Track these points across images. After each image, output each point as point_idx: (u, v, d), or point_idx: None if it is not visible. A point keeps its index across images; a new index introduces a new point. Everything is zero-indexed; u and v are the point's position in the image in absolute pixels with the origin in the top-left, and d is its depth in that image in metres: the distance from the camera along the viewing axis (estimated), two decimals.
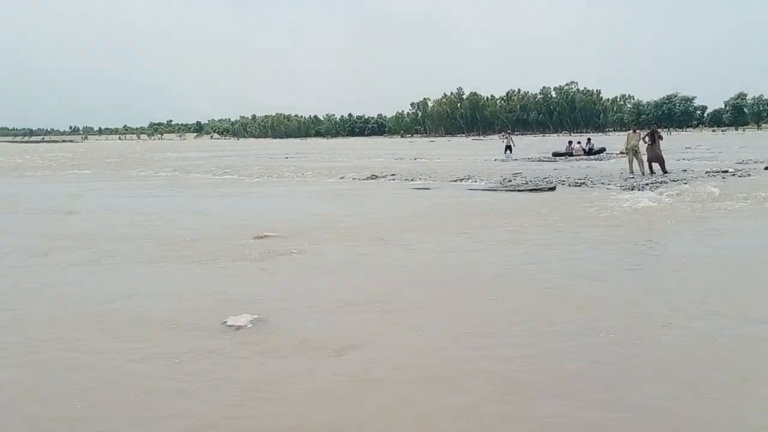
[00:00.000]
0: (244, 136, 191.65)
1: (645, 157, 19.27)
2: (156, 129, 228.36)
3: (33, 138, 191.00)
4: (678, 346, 4.48)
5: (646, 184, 15.73)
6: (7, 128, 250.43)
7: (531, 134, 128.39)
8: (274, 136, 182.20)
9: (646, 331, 4.79)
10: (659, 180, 16.88)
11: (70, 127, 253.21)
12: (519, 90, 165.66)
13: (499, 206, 12.48)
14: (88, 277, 6.95)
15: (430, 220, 10.78)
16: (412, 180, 19.49)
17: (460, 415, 3.50)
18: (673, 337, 4.66)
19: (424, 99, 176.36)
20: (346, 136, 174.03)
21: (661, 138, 19.16)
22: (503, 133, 49.40)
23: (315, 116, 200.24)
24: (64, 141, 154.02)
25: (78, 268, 7.34)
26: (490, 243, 8.49)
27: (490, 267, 7.02)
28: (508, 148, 35.97)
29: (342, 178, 21.12)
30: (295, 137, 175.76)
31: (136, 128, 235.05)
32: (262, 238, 9.09)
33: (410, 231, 9.60)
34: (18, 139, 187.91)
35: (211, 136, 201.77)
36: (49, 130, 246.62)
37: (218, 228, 10.23)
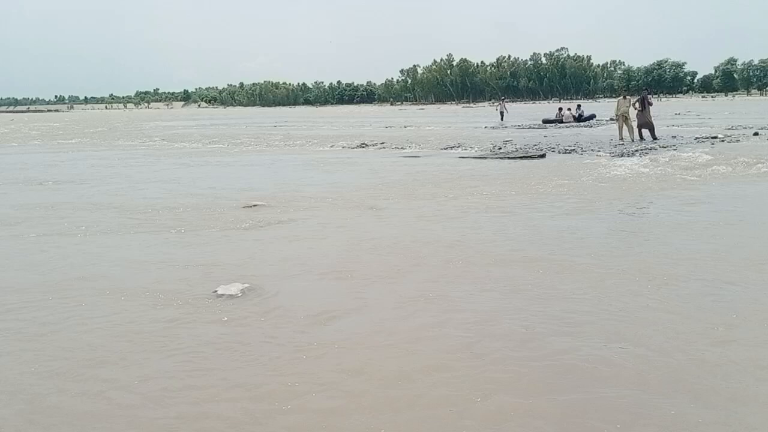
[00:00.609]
0: (231, 105, 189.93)
1: (635, 124, 19.28)
2: (143, 98, 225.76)
3: (18, 108, 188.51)
4: (634, 310, 4.54)
5: (636, 151, 15.75)
6: None
7: (521, 101, 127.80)
8: (263, 105, 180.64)
9: (619, 298, 4.85)
10: (649, 146, 16.91)
11: (56, 97, 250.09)
12: (509, 56, 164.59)
13: (488, 174, 12.48)
14: (78, 246, 6.92)
15: (419, 188, 10.78)
16: (401, 148, 19.43)
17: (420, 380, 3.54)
18: (641, 303, 4.72)
19: (414, 66, 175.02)
20: (336, 104, 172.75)
21: (651, 104, 19.15)
22: (497, 101, 50.08)
23: (303, 84, 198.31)
24: (49, 111, 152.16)
25: (67, 238, 7.32)
26: (480, 210, 8.51)
27: (487, 235, 7.05)
28: (501, 114, 36.84)
29: (332, 146, 21.03)
30: (284, 105, 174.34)
31: (123, 97, 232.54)
32: (251, 207, 9.08)
33: (400, 199, 9.61)
34: (3, 108, 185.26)
35: (199, 105, 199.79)
36: (34, 99, 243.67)
37: (207, 198, 10.20)
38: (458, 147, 18.96)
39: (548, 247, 6.35)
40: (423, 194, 10.05)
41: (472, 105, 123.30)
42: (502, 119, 36.65)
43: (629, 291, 4.94)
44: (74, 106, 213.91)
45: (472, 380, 3.51)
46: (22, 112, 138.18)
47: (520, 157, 15.24)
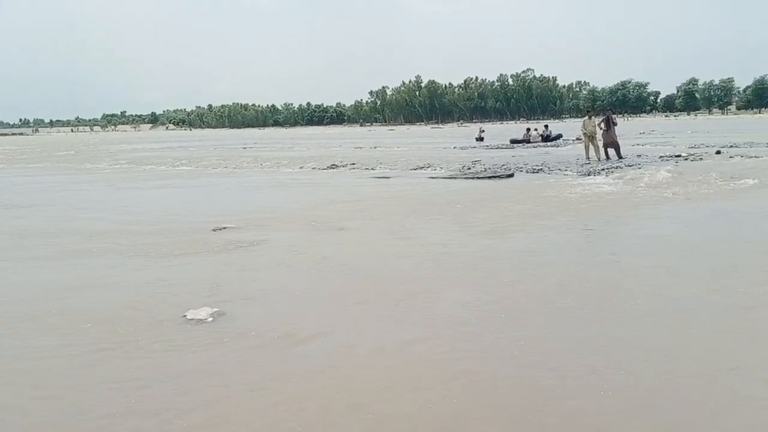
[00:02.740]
0: (200, 127, 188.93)
1: (601, 143, 19.61)
2: (110, 120, 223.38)
3: None
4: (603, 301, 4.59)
5: (602, 170, 16.01)
6: None
7: (489, 121, 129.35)
8: (231, 126, 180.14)
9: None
10: (615, 165, 17.20)
11: (21, 120, 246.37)
12: (477, 78, 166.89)
13: (457, 194, 12.56)
14: (40, 272, 6.77)
15: (387, 208, 10.79)
16: (372, 169, 19.47)
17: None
18: (620, 309, 4.77)
19: (383, 87, 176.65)
20: (305, 125, 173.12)
21: (615, 124, 19.51)
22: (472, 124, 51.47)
23: (273, 105, 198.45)
24: (14, 134, 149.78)
25: (25, 263, 7.16)
26: (449, 230, 8.55)
27: (461, 252, 7.07)
28: (481, 139, 37.19)
29: (301, 168, 20.99)
30: (253, 127, 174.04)
31: (89, 120, 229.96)
32: (220, 230, 8.99)
33: (369, 220, 9.61)
34: None
35: (167, 127, 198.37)
36: None
37: (175, 221, 10.08)
38: (428, 167, 19.07)
39: (518, 263, 6.39)
40: (392, 214, 10.05)
41: (440, 125, 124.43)
42: (481, 140, 36.85)
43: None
44: (39, 129, 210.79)
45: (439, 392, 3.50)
46: None
47: (489, 177, 15.39)
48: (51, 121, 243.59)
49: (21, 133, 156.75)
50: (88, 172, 21.94)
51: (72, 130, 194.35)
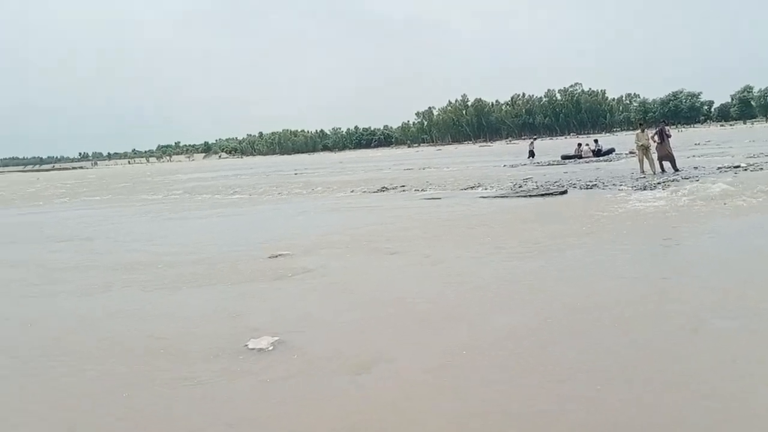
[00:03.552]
0: (251, 154, 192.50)
1: (655, 156, 19.19)
2: (164, 151, 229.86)
3: (44, 166, 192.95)
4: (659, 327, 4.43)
5: (658, 183, 15.64)
6: (17, 158, 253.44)
7: (538, 138, 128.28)
8: (282, 152, 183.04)
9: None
10: (671, 178, 16.79)
11: (80, 154, 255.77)
12: (524, 94, 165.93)
13: (510, 212, 12.44)
14: (103, 302, 6.96)
15: (440, 230, 10.75)
16: (422, 190, 19.48)
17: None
18: (666, 325, 4.61)
19: (429, 108, 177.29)
20: (354, 148, 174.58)
21: (669, 136, 19.09)
22: (528, 138, 52.03)
23: (321, 130, 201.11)
24: (74, 168, 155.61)
25: (91, 296, 7.36)
26: (505, 249, 8.45)
27: (516, 275, 6.98)
28: (532, 153, 37.27)
29: (352, 192, 21.14)
30: (303, 152, 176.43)
31: (145, 152, 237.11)
32: (276, 257, 9.09)
33: (424, 242, 9.57)
34: (29, 168, 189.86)
35: (219, 156, 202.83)
36: (59, 157, 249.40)
37: (231, 249, 10.24)
38: (478, 187, 18.96)
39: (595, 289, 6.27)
40: (445, 236, 10.01)
41: (489, 143, 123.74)
42: (532, 157, 36.72)
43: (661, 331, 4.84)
44: (98, 162, 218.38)
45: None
46: (47, 170, 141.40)
47: (542, 195, 15.20)
48: (108, 153, 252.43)
49: (81, 167, 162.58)
50: (146, 203, 22.56)
51: (129, 162, 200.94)
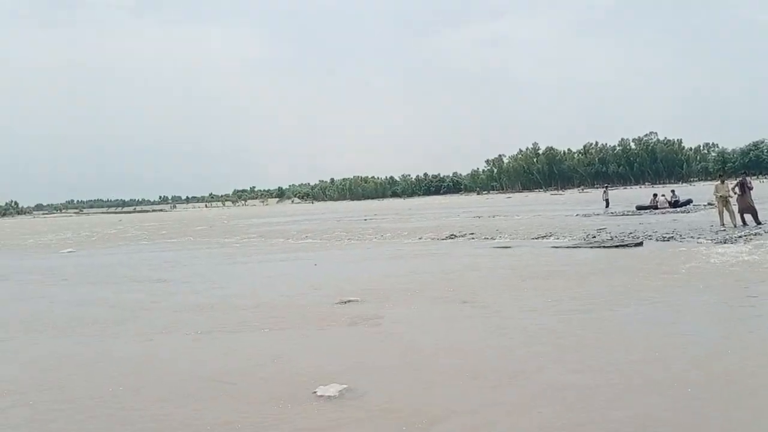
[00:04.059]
0: (323, 200, 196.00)
1: (736, 208, 18.44)
2: (240, 195, 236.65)
3: (126, 208, 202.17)
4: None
5: (740, 237, 14.99)
6: (101, 200, 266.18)
7: (612, 187, 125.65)
8: (352, 198, 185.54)
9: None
10: (753, 232, 16.06)
11: (160, 197, 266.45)
12: (597, 143, 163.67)
13: (584, 264, 12.14)
14: (176, 346, 7.13)
15: (512, 279, 10.59)
16: (491, 239, 19.28)
17: None
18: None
19: (500, 156, 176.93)
20: (422, 194, 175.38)
21: (751, 188, 18.33)
22: (601, 187, 52.09)
23: (391, 177, 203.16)
24: (154, 210, 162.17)
25: (162, 337, 7.56)
26: (580, 302, 8.23)
27: (590, 328, 6.78)
28: (606, 202, 37.23)
29: (420, 238, 21.14)
30: (372, 198, 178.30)
31: (221, 195, 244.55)
32: (345, 303, 9.14)
33: (493, 292, 9.45)
34: (112, 209, 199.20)
35: (292, 201, 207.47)
36: (140, 200, 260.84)
37: (302, 294, 10.37)
38: (550, 236, 18.62)
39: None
40: (516, 286, 9.84)
41: (560, 192, 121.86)
42: (607, 206, 36.43)
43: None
44: (176, 205, 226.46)
45: None
46: (129, 212, 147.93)
47: (616, 246, 14.78)
48: (187, 197, 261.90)
49: (161, 209, 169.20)
50: (221, 246, 23.18)
51: (206, 206, 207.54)
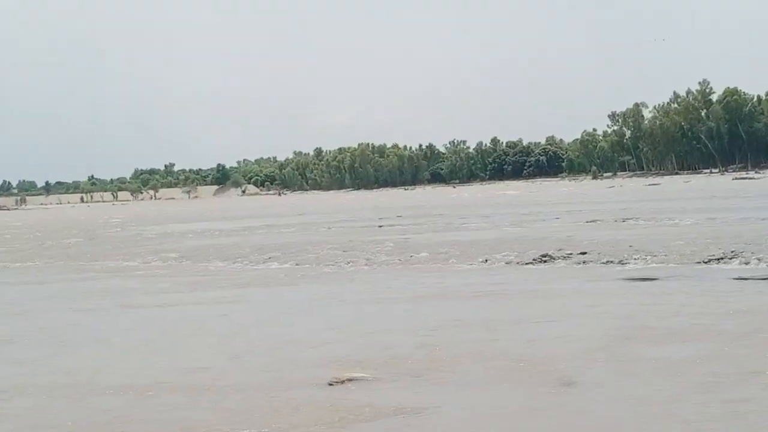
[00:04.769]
0: (302, 188, 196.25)
1: None
2: (145, 181, 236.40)
3: None
4: None
5: None
6: None
7: None
8: (357, 186, 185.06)
9: None
10: None
11: (3, 182, 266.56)
12: None
13: None
14: None
15: (651, 342, 10.53)
16: (619, 262, 19.16)
17: None
18: None
19: (636, 106, 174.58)
20: (488, 179, 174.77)
21: None
22: None
23: (429, 146, 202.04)
24: None
25: None
26: None
27: None
28: None
29: (486, 261, 21.06)
30: (393, 185, 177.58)
31: (111, 181, 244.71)
32: (341, 383, 9.10)
33: (616, 366, 9.40)
34: None
35: (244, 190, 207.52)
36: None
37: (267, 367, 10.33)
38: (732, 258, 18.48)
39: None
40: (665, 358, 9.77)
41: (753, 174, 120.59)
42: None
43: None
44: (26, 199, 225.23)
45: None
46: None
47: None
48: (47, 184, 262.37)
49: (1, 207, 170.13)
50: (108, 276, 23.23)
51: (83, 199, 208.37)
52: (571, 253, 21.26)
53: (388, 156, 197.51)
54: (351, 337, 12.00)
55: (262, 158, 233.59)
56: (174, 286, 19.89)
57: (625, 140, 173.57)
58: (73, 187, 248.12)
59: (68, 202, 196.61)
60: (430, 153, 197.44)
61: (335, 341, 11.76)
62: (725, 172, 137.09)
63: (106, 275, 23.56)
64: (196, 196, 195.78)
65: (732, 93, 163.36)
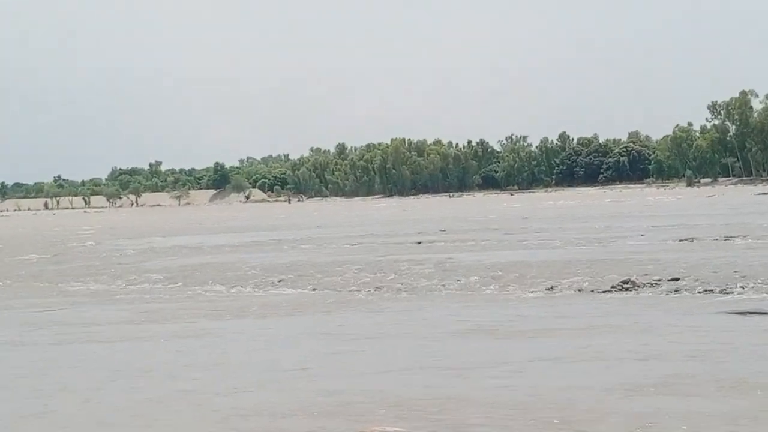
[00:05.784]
0: (321, 194, 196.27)
1: None
2: (125, 184, 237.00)
3: None
4: None
5: None
6: None
7: None
8: (389, 191, 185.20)
9: None
10: None
11: None
12: None
13: None
14: None
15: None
16: (720, 291, 19.10)
17: None
18: None
19: (744, 95, 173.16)
20: (556, 184, 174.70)
21: None
22: None
23: (481, 143, 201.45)
24: None
25: None
26: None
27: None
28: None
29: (551, 289, 21.06)
30: (436, 191, 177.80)
31: (83, 183, 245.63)
32: None
33: None
34: None
35: (247, 195, 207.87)
36: None
37: (283, 417, 10.37)
38: None
39: None
40: None
41: None
42: None
43: None
44: None
45: None
46: None
47: None
48: (2, 186, 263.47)
49: None
50: (79, 304, 23.32)
51: (47, 206, 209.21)
52: (660, 279, 21.24)
53: (428, 154, 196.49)
54: (385, 377, 12.03)
55: (270, 156, 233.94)
56: (168, 316, 19.92)
57: (728, 137, 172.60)
58: (36, 190, 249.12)
59: (29, 209, 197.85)
60: (481, 151, 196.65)
61: (363, 382, 11.77)
62: None
63: (80, 304, 23.57)
64: (188, 203, 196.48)
65: None
